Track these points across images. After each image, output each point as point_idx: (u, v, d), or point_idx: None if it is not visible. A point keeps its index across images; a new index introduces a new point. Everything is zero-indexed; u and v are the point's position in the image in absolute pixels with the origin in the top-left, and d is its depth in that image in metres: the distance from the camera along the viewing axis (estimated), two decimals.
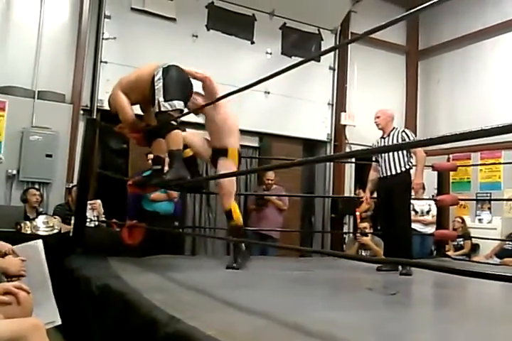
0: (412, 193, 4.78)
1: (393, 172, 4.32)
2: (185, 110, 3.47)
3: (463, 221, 6.99)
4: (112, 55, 5.97)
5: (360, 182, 7.76)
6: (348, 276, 4.00)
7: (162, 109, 3.33)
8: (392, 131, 4.42)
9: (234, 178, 3.93)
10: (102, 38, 6.03)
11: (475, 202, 7.44)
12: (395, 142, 4.34)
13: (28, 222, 4.50)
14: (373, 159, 4.62)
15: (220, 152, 3.86)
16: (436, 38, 8.37)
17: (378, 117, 4.48)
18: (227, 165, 3.78)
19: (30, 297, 1.87)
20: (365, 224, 5.75)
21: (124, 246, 4.07)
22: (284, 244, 5.39)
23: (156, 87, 3.38)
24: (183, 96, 3.45)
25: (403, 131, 4.42)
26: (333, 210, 7.56)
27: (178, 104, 3.35)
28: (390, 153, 4.31)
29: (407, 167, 4.34)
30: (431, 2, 1.74)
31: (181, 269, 3.71)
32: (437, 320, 2.39)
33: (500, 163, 7.13)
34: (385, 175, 4.37)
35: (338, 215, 7.52)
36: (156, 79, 3.40)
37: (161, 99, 3.33)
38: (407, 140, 4.31)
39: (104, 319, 2.54)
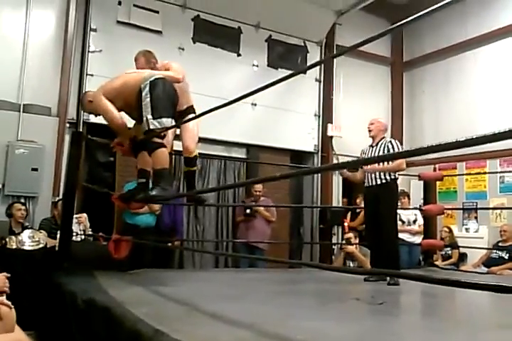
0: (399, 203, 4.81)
1: (379, 182, 4.36)
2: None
3: (450, 230, 7.02)
4: (98, 67, 5.96)
5: (349, 192, 7.81)
6: (335, 287, 4.00)
7: (151, 126, 3.34)
8: (381, 140, 4.50)
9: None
10: (88, 51, 6.02)
11: (462, 211, 7.49)
12: (381, 151, 4.39)
13: (13, 237, 4.43)
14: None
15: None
16: (420, 49, 8.49)
17: (372, 124, 4.59)
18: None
19: (12, 312, 1.85)
20: (351, 234, 5.76)
21: (111, 259, 4.04)
22: (272, 256, 5.38)
23: (143, 103, 3.38)
24: (171, 112, 3.45)
25: (390, 141, 4.49)
26: (322, 221, 7.56)
27: (167, 122, 3.36)
28: (376, 163, 4.35)
29: (393, 176, 4.37)
30: (414, 16, 1.77)
31: (168, 282, 3.69)
32: (424, 330, 2.39)
33: (485, 173, 7.21)
34: (371, 184, 4.41)
35: (327, 226, 7.52)
36: (143, 94, 3.39)
37: (150, 116, 3.33)
38: (392, 150, 4.35)
39: (90, 333, 2.52)
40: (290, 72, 6.91)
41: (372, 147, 4.52)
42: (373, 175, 4.39)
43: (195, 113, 3.80)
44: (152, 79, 3.45)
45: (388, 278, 4.09)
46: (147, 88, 3.40)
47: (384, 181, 4.34)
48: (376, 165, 4.34)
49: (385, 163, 4.31)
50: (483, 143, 1.26)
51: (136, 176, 3.87)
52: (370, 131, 4.58)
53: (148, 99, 3.36)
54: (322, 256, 7.37)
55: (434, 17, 7.94)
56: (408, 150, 1.79)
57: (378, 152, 4.41)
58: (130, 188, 4.04)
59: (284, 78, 2.47)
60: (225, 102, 2.84)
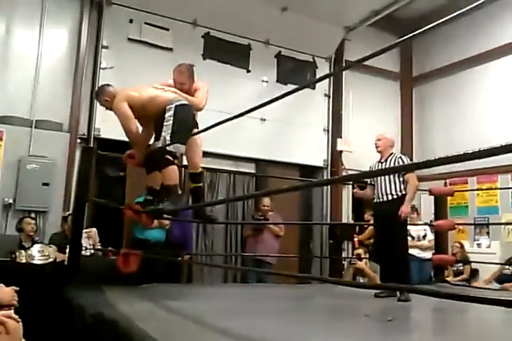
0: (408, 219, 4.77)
1: (389, 198, 4.34)
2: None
3: (461, 246, 6.94)
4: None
5: (359, 207, 7.77)
6: (345, 303, 3.95)
7: (167, 148, 3.44)
8: (390, 156, 4.49)
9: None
10: (100, 68, 6.12)
11: (473, 226, 7.41)
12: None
13: (23, 251, 4.45)
14: (368, 182, 4.66)
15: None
16: (430, 64, 8.51)
17: (379, 140, 4.59)
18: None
19: (19, 326, 1.85)
20: (360, 251, 5.73)
21: (120, 274, 4.03)
22: (282, 271, 5.34)
23: (165, 123, 3.48)
24: (186, 139, 3.58)
25: (400, 156, 4.49)
26: (331, 236, 7.52)
27: (180, 148, 3.51)
28: (386, 179, 4.35)
29: (403, 193, 4.35)
30: (420, 30, 1.80)
31: (177, 297, 3.68)
32: None
33: (496, 189, 7.14)
34: (380, 200, 4.39)
35: (336, 241, 7.47)
36: (167, 115, 3.50)
37: (168, 137, 3.44)
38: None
39: None
40: (301, 89, 7.04)
41: (381, 163, 4.51)
42: (383, 191, 4.37)
43: (197, 128, 3.88)
44: (178, 103, 3.56)
45: (399, 294, 4.04)
46: (172, 111, 3.51)
47: (395, 197, 4.32)
48: (406, 206, 4.27)
49: (398, 183, 4.32)
50: (491, 155, 1.26)
51: (146, 192, 3.93)
52: (377, 146, 4.58)
53: (171, 122, 3.48)
54: (332, 271, 7.30)
55: (443, 32, 7.97)
56: (419, 162, 1.80)
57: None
58: (138, 201, 4.06)
59: (290, 92, 2.50)
60: (230, 116, 2.88)
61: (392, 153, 4.54)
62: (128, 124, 3.61)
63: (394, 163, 4.40)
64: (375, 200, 4.47)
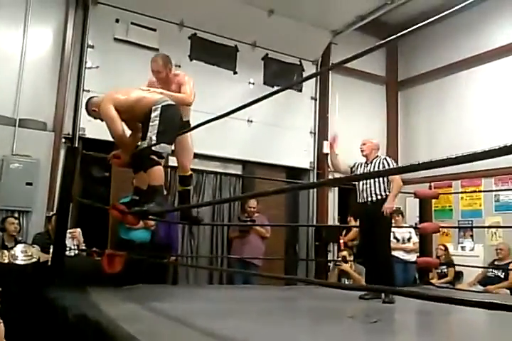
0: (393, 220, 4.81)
1: (374, 198, 4.37)
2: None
3: (446, 248, 7.01)
4: (94, 83, 5.99)
5: (344, 209, 7.80)
6: (329, 304, 3.96)
7: (152, 148, 3.44)
8: (375, 158, 4.56)
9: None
10: (85, 67, 6.06)
11: (457, 229, 7.49)
12: (376, 168, 4.44)
13: (5, 251, 4.40)
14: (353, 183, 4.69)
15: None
16: (415, 69, 8.59)
17: (364, 144, 4.68)
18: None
19: (0, 326, 1.82)
20: (345, 253, 5.75)
21: (105, 275, 3.99)
22: (267, 272, 5.34)
23: (151, 124, 3.48)
24: (172, 139, 3.59)
25: (384, 158, 4.60)
26: (317, 238, 7.53)
27: (166, 149, 3.50)
28: (371, 180, 4.38)
29: (387, 193, 4.38)
30: (403, 32, 1.81)
31: (161, 299, 3.65)
32: None
33: (480, 191, 7.22)
34: (364, 200, 4.42)
35: (322, 243, 7.49)
36: (153, 115, 3.49)
37: (154, 137, 3.44)
38: (387, 167, 4.39)
39: None
40: (286, 90, 7.06)
41: (367, 164, 4.57)
42: (367, 192, 4.40)
43: (189, 126, 3.86)
44: (165, 104, 3.56)
45: (383, 296, 4.06)
46: (158, 111, 3.51)
47: (379, 197, 4.36)
48: (390, 202, 4.34)
49: (382, 183, 4.35)
50: (474, 160, 1.27)
51: (132, 192, 3.90)
52: (362, 150, 4.67)
53: (157, 122, 3.47)
54: (317, 273, 7.31)
55: (428, 37, 8.07)
56: (403, 167, 1.81)
57: (373, 168, 4.47)
58: (124, 201, 4.03)
59: (275, 92, 2.53)
60: (214, 117, 2.87)
61: (377, 156, 4.62)
62: (113, 126, 3.58)
63: (379, 165, 4.46)
64: (359, 200, 4.50)
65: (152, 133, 3.45)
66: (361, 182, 4.45)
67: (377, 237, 4.30)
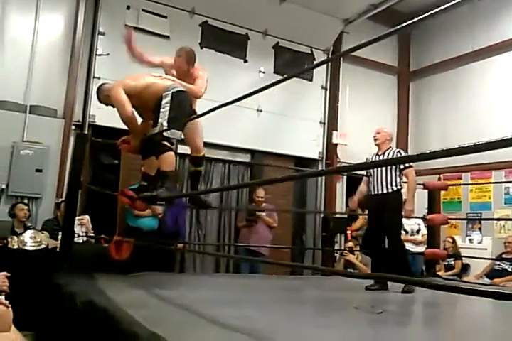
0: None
1: (384, 191, 4.34)
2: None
3: (453, 241, 6.98)
4: (105, 71, 5.99)
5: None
6: (335, 295, 3.97)
7: (164, 133, 3.45)
8: (388, 149, 4.50)
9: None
10: (96, 54, 6.06)
11: (466, 222, 7.45)
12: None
13: (15, 237, 4.44)
14: (365, 172, 4.65)
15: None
16: (427, 59, 8.49)
17: (378, 133, 4.60)
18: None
19: (9, 311, 1.84)
20: (351, 244, 5.75)
21: (112, 262, 4.03)
22: (274, 261, 5.35)
23: (161, 110, 3.48)
24: (182, 126, 3.59)
25: (398, 150, 4.53)
26: (324, 229, 7.54)
27: (176, 134, 3.50)
28: (383, 172, 4.35)
29: (399, 187, 4.36)
30: (413, 20, 1.78)
31: (168, 286, 3.68)
32: (424, 339, 2.37)
33: (490, 183, 7.17)
34: (376, 192, 4.39)
35: (329, 234, 7.49)
36: (163, 102, 3.50)
37: (165, 123, 3.45)
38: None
39: (87, 334, 2.51)
40: (296, 79, 7.01)
41: (379, 156, 4.52)
42: (378, 185, 4.37)
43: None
44: (175, 90, 3.56)
45: (403, 285, 4.04)
46: (168, 98, 3.51)
47: (390, 190, 4.33)
48: (409, 204, 4.39)
49: (395, 177, 4.33)
50: (486, 149, 1.25)
51: (141, 177, 3.92)
52: (375, 139, 4.59)
53: (168, 109, 3.48)
54: (324, 263, 7.33)
55: (441, 27, 7.97)
56: (412, 155, 1.80)
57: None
58: (133, 188, 4.04)
59: (282, 80, 2.52)
60: (222, 103, 2.87)
61: (390, 147, 4.55)
62: (123, 109, 3.59)
63: (391, 157, 4.39)
64: (371, 193, 4.48)
65: (163, 120, 3.46)
66: (374, 176, 4.41)
67: (389, 229, 4.30)
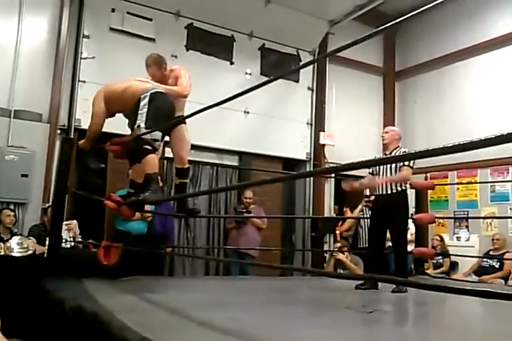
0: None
1: (389, 191, 4.34)
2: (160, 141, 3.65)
3: (441, 239, 7.04)
4: (90, 74, 5.95)
5: (341, 200, 7.82)
6: (326, 295, 3.98)
7: (142, 136, 3.45)
8: (395, 149, 4.47)
9: None
10: (81, 58, 6.01)
11: (453, 220, 7.51)
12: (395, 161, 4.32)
13: (1, 243, 4.40)
14: (370, 171, 4.63)
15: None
16: (412, 59, 8.56)
17: (386, 132, 4.59)
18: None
19: None
20: (340, 244, 5.77)
21: (100, 267, 4.00)
22: (264, 263, 5.35)
23: (139, 112, 3.49)
24: (163, 127, 3.59)
25: (404, 151, 4.47)
26: (313, 229, 7.55)
27: (156, 135, 3.49)
28: (387, 172, 4.36)
29: (403, 187, 4.36)
30: (398, 20, 1.79)
31: (157, 290, 3.66)
32: (415, 338, 2.38)
33: (476, 182, 7.24)
34: (381, 193, 4.39)
35: (318, 234, 7.51)
36: (141, 104, 3.50)
37: (143, 125, 3.45)
38: (408, 160, 4.28)
39: (77, 340, 2.48)
40: (283, 80, 7.02)
41: (386, 155, 4.50)
42: (383, 185, 4.36)
43: (185, 123, 3.87)
44: (153, 91, 3.56)
45: (394, 285, 4.05)
46: (146, 99, 3.52)
47: (394, 191, 4.32)
48: (385, 178, 4.32)
49: (394, 173, 4.31)
50: (470, 149, 1.27)
51: (129, 185, 3.92)
52: (383, 139, 4.57)
53: (145, 110, 3.48)
54: (313, 264, 7.35)
55: (426, 27, 8.04)
56: (399, 156, 1.81)
57: (393, 161, 4.33)
58: (121, 194, 4.01)
59: (269, 81, 2.50)
60: (208, 105, 2.86)
61: (398, 147, 4.50)
62: (93, 119, 3.79)
63: (405, 160, 4.27)
64: (376, 193, 4.48)
65: (141, 121, 3.46)
66: (379, 176, 4.39)
67: (394, 229, 4.32)
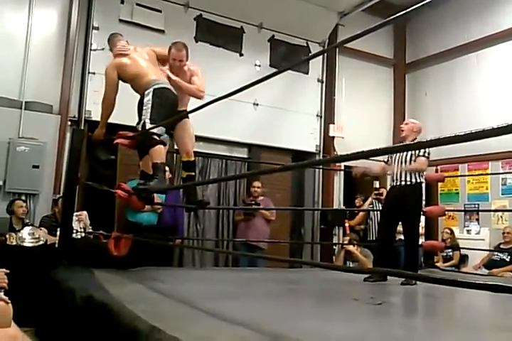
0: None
1: (403, 183, 4.30)
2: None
3: (451, 232, 7.01)
4: (100, 66, 5.90)
5: (351, 191, 7.80)
6: (334, 287, 3.98)
7: (147, 128, 3.54)
8: (413, 141, 4.36)
9: None
10: (90, 49, 6.03)
11: (463, 213, 7.47)
12: (411, 153, 4.28)
13: (13, 234, 4.43)
14: (385, 160, 4.59)
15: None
16: (423, 51, 8.48)
17: (406, 124, 4.54)
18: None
19: (9, 308, 1.84)
20: (351, 236, 5.76)
21: (111, 257, 4.03)
22: (273, 255, 5.36)
23: (144, 108, 3.57)
24: (169, 122, 3.66)
25: None
26: (323, 222, 7.55)
27: (159, 130, 3.56)
28: (402, 163, 4.32)
29: (419, 180, 4.32)
30: (408, 10, 1.77)
31: (167, 281, 3.68)
32: (423, 330, 2.38)
33: (487, 174, 7.19)
34: (397, 184, 4.36)
35: (328, 227, 7.51)
36: (146, 99, 3.57)
37: (148, 120, 3.54)
38: (422, 152, 4.25)
39: (87, 329, 2.51)
40: (292, 72, 6.99)
41: None
42: (398, 176, 4.32)
43: (187, 117, 3.92)
44: (156, 87, 3.59)
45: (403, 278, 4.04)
46: (150, 95, 3.57)
47: (408, 183, 4.28)
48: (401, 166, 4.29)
49: (409, 163, 4.27)
50: (482, 137, 1.26)
51: (139, 176, 4.00)
52: (402, 131, 4.52)
53: (150, 105, 3.55)
54: (323, 256, 7.35)
55: (437, 19, 7.95)
56: (408, 144, 1.79)
57: (408, 153, 4.30)
58: (131, 186, 4.04)
59: (278, 72, 2.50)
60: (217, 97, 2.87)
61: (415, 139, 4.43)
62: (108, 90, 3.84)
63: (414, 150, 4.24)
64: (392, 184, 4.45)
65: (146, 117, 3.54)
66: (394, 167, 4.35)
67: (407, 222, 4.30)
